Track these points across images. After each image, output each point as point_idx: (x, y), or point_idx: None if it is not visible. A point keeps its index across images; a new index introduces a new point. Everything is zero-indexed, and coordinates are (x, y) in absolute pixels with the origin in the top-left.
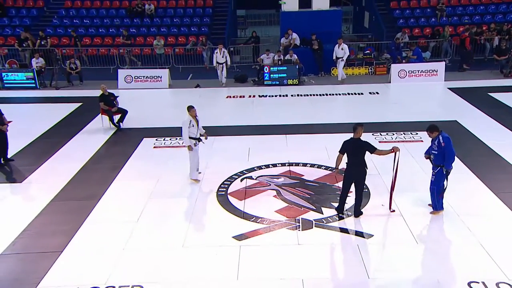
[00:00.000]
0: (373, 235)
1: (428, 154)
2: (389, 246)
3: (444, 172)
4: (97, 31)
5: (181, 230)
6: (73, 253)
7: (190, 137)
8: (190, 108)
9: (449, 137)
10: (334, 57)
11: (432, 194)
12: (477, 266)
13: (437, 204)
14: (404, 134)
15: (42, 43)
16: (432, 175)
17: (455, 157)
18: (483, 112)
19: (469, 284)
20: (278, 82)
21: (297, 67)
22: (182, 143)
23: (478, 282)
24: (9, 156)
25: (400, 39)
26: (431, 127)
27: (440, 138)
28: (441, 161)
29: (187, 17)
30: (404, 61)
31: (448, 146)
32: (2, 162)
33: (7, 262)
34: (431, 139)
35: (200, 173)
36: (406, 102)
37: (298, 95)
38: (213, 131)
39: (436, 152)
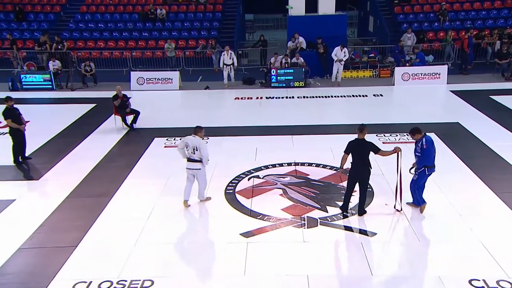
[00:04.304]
0: (376, 233)
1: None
2: (392, 244)
3: (427, 173)
4: (111, 34)
5: (190, 227)
6: (87, 248)
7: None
8: (201, 129)
9: (432, 140)
10: (335, 58)
11: (413, 191)
12: (478, 264)
13: (419, 200)
14: (407, 135)
15: (59, 47)
16: (415, 174)
17: (459, 159)
18: (485, 114)
19: (470, 281)
20: (284, 84)
21: (303, 69)
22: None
23: (479, 280)
24: (26, 154)
25: (404, 41)
26: (413, 130)
27: (423, 140)
28: (423, 163)
29: (197, 21)
30: (407, 64)
31: (428, 149)
32: (20, 160)
33: (25, 256)
34: (415, 141)
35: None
36: (410, 104)
37: (304, 97)
38: (221, 131)
39: (420, 155)
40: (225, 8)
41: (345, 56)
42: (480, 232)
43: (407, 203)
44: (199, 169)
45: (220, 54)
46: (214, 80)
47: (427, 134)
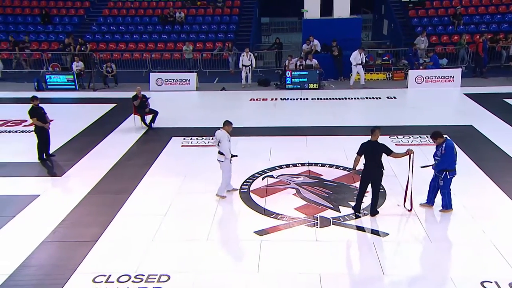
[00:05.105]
0: (388, 234)
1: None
2: (404, 244)
3: (449, 176)
4: (132, 37)
5: (206, 224)
6: (107, 243)
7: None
8: (229, 124)
9: (453, 146)
10: (355, 63)
11: (444, 196)
12: (490, 266)
13: (448, 204)
14: (420, 137)
15: (82, 48)
16: (440, 180)
17: (472, 162)
18: (499, 118)
19: (482, 283)
20: (299, 86)
21: (317, 72)
22: (218, 158)
23: (491, 282)
24: (50, 151)
25: (418, 44)
26: (435, 134)
27: (444, 146)
28: (440, 167)
29: (214, 24)
30: (421, 67)
31: (446, 155)
32: (45, 157)
33: (48, 249)
34: (435, 145)
35: (235, 189)
36: (423, 106)
37: (318, 98)
38: (237, 131)
39: (439, 158)
40: (242, 11)
41: (362, 60)
42: (493, 234)
43: (420, 204)
44: (222, 161)
45: (236, 56)
46: (230, 81)
47: (448, 138)
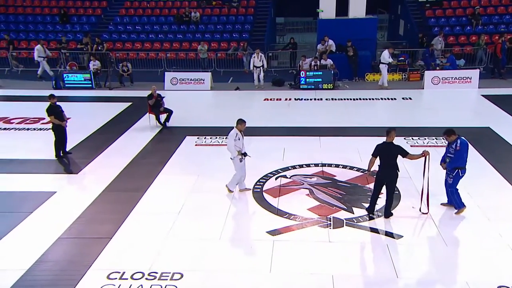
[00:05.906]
0: (402, 236)
1: (443, 162)
2: (418, 247)
3: (461, 175)
4: (147, 36)
5: (219, 224)
6: (121, 240)
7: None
8: (241, 122)
9: (467, 144)
10: (387, 62)
11: (452, 195)
12: (507, 271)
13: (459, 203)
14: (436, 139)
15: (99, 48)
16: (450, 177)
17: (489, 164)
18: None
19: None
20: (313, 86)
21: (332, 72)
22: (230, 156)
23: (508, 287)
24: (67, 149)
25: (435, 45)
26: (448, 131)
27: (458, 142)
28: (453, 164)
29: (229, 24)
30: (438, 68)
31: (460, 151)
32: (61, 154)
33: (64, 245)
34: (447, 143)
35: (248, 189)
36: (439, 108)
37: (332, 99)
38: (250, 131)
39: (452, 156)
40: (257, 11)
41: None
42: (510, 237)
43: (442, 204)
44: (232, 158)
45: (250, 56)
46: (245, 81)
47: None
